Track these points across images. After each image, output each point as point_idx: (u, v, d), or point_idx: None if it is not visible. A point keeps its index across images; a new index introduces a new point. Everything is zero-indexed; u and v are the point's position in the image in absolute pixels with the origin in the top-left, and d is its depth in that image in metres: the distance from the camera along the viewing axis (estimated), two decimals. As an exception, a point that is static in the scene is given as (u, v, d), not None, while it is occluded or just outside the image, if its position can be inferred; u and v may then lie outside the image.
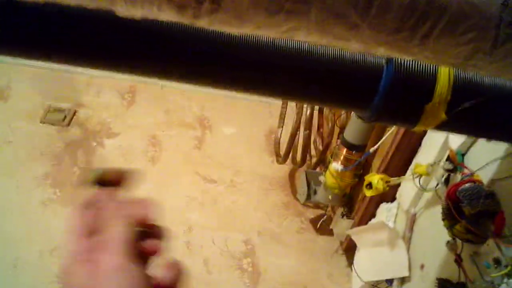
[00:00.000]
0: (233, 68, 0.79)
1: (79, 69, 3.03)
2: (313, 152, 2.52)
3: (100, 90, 2.99)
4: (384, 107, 0.83)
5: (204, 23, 0.54)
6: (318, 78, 0.81)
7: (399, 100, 0.82)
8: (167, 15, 0.54)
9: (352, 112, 1.79)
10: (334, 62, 0.79)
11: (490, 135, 0.99)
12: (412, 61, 0.80)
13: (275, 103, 2.77)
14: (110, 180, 0.67)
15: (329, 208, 2.43)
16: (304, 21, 0.51)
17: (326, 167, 2.06)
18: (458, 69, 0.81)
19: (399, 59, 0.79)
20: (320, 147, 2.38)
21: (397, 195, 1.89)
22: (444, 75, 0.82)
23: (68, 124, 2.76)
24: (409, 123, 0.88)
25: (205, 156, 2.71)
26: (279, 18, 0.51)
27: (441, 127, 0.88)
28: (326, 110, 2.43)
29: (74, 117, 2.80)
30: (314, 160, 2.45)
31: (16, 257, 2.12)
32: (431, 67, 0.81)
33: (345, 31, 0.51)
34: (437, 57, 0.56)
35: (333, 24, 0.50)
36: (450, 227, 1.32)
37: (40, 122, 2.73)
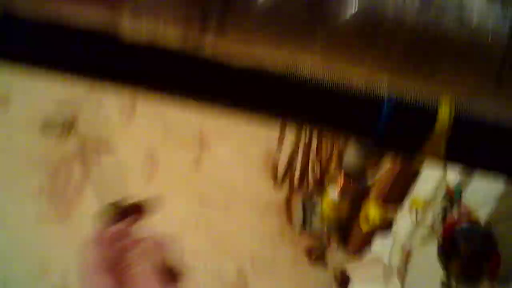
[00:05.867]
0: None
1: (81, 81, 3.01)
2: (311, 178, 2.49)
3: (100, 103, 2.97)
4: (385, 137, 0.82)
5: (209, 42, 0.52)
6: (323, 104, 0.80)
7: (399, 132, 0.81)
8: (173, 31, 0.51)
9: (352, 140, 1.77)
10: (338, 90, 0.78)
11: (490, 172, 0.97)
12: (415, 93, 0.78)
13: (275, 127, 2.74)
14: (128, 212, 0.66)
15: (325, 239, 2.39)
16: (308, 52, 0.49)
17: (323, 196, 2.02)
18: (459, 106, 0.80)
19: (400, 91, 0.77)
20: (318, 173, 2.35)
21: (394, 229, 1.86)
22: (446, 110, 0.80)
23: (67, 136, 2.73)
24: (409, 156, 0.87)
25: (202, 177, 2.67)
26: (284, 47, 0.49)
27: (441, 161, 0.86)
28: (325, 136, 2.41)
29: (72, 130, 2.78)
30: (311, 185, 2.42)
31: (5, 276, 2.07)
32: (433, 102, 0.79)
33: (349, 63, 0.49)
34: (440, 93, 0.54)
35: (337, 56, 0.48)
36: (445, 265, 1.29)
37: (39, 133, 2.70)
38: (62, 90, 2.93)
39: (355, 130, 0.87)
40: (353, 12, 0.44)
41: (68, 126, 2.75)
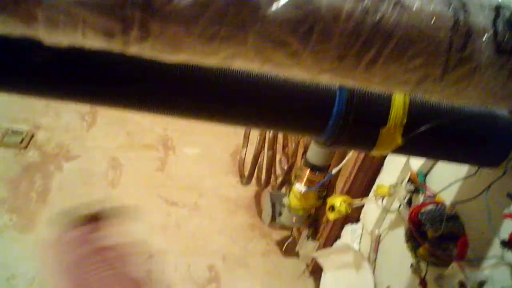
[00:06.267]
0: (192, 98, 0.75)
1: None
2: (279, 172, 2.49)
3: (60, 111, 2.90)
4: (338, 132, 0.80)
5: (135, 50, 0.50)
6: (270, 104, 0.78)
7: (353, 125, 0.79)
8: (95, 42, 0.50)
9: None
10: (286, 87, 0.76)
11: (448, 158, 0.97)
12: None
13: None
14: (91, 219, 0.64)
15: (295, 230, 2.40)
16: (241, 48, 0.47)
17: (291, 188, 2.02)
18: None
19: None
20: (285, 167, 2.35)
21: (361, 216, 1.87)
22: (399, 99, 0.79)
23: (26, 147, 2.66)
24: (366, 147, 0.86)
25: (168, 178, 2.64)
26: (215, 45, 0.47)
27: (399, 150, 0.86)
28: (290, 130, 2.41)
29: (32, 139, 2.71)
30: (279, 180, 2.41)
31: (-29, 287, 2.01)
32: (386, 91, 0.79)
33: (285, 58, 0.48)
34: (385, 84, 0.53)
35: (273, 52, 0.47)
36: (413, 249, 1.30)
37: (-3, 147, 2.63)
38: (18, 104, 2.86)
39: (306, 129, 0.86)
40: (284, 1, 0.43)
41: (27, 138, 2.68)
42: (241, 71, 0.71)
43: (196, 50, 0.48)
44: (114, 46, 0.49)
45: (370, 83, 0.53)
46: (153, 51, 0.49)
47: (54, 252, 0.59)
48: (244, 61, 0.49)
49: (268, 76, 0.74)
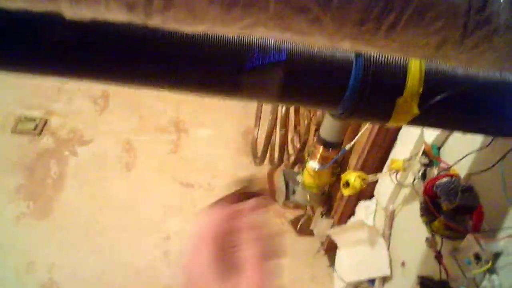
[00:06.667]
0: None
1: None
2: (291, 151, 2.50)
3: (72, 97, 2.93)
4: (355, 103, 0.80)
5: (157, 21, 0.51)
6: (286, 77, 0.78)
7: (370, 96, 0.79)
8: (117, 14, 0.50)
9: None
10: (302, 59, 0.76)
11: (464, 128, 0.97)
12: (382, 55, 0.77)
13: (251, 103, 2.73)
14: (249, 197, 0.67)
15: (309, 208, 2.41)
16: (262, 15, 0.48)
17: (304, 166, 2.03)
18: (429, 61, 0.79)
19: (368, 54, 0.76)
20: (298, 145, 2.35)
21: (375, 192, 1.88)
22: (415, 67, 0.79)
23: (40, 133, 2.69)
24: (382, 118, 0.86)
25: (182, 160, 2.66)
26: (236, 13, 0.48)
27: (415, 122, 0.86)
28: (301, 108, 2.41)
29: (46, 125, 2.74)
30: (292, 159, 2.42)
31: (-9, 274, 2.05)
32: (402, 60, 0.79)
33: (307, 25, 0.48)
34: (405, 49, 0.53)
35: (294, 18, 0.47)
36: (428, 223, 1.31)
37: (11, 132, 2.65)
38: (30, 91, 2.89)
39: (323, 102, 0.86)
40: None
41: (40, 124, 2.71)
42: (254, 40, 0.71)
43: (216, 18, 0.49)
44: (136, 17, 0.50)
45: (390, 49, 0.54)
46: (174, 22, 0.50)
47: (208, 217, 0.62)
48: (265, 29, 0.49)
49: (282, 47, 0.75)
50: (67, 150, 2.61)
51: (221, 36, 0.71)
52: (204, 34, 0.70)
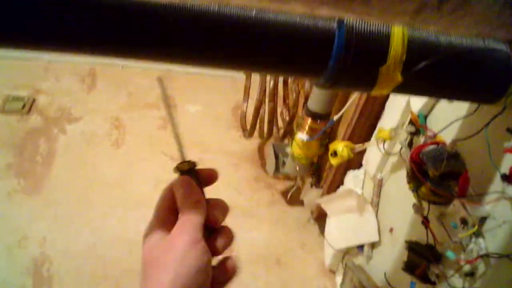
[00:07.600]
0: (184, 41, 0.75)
1: (36, 55, 2.97)
2: (281, 124, 2.51)
3: (59, 75, 2.91)
4: (338, 72, 0.81)
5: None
6: (268, 45, 0.78)
7: (353, 64, 0.80)
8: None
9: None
10: (284, 27, 0.76)
11: (449, 95, 0.98)
12: (365, 22, 0.78)
13: (240, 78, 2.73)
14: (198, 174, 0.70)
15: (299, 179, 2.43)
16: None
17: (293, 138, 2.05)
18: (412, 28, 0.80)
19: (351, 21, 0.77)
20: (287, 118, 2.36)
21: (364, 162, 1.90)
22: (398, 36, 0.80)
23: (28, 112, 2.68)
24: (366, 86, 0.87)
25: (171, 136, 2.66)
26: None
27: (399, 89, 0.87)
28: (290, 81, 2.41)
29: (34, 104, 2.73)
30: (281, 131, 2.44)
31: (-16, 252, 2.06)
32: (384, 28, 0.79)
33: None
34: (383, 15, 0.54)
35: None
36: (415, 189, 1.32)
37: (0, 113, 2.64)
38: (17, 70, 2.87)
39: (306, 71, 0.86)
40: None
41: (28, 103, 2.70)
42: (236, 12, 0.71)
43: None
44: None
45: (368, 15, 0.54)
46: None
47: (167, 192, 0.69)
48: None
49: (263, 16, 0.75)
50: (56, 128, 2.60)
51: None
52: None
